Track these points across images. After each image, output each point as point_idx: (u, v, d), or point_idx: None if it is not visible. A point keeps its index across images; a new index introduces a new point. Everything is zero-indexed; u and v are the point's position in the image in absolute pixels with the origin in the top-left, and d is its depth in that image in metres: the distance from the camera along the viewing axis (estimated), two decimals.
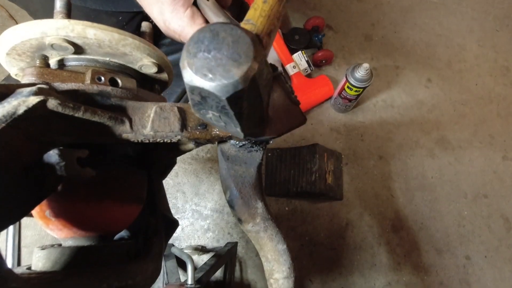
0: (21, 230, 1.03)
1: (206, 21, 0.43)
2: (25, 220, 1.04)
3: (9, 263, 0.98)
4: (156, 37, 0.51)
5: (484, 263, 1.13)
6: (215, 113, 0.28)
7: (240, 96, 0.24)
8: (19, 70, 0.39)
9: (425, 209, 1.17)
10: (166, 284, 0.90)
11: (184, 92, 0.79)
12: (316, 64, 1.28)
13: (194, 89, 0.24)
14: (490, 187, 1.22)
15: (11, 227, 1.01)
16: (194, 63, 0.24)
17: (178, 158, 0.61)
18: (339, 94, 1.15)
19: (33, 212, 0.38)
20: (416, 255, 1.12)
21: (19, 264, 0.99)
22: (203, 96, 0.25)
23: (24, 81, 0.34)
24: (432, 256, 1.12)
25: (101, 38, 0.34)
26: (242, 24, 0.32)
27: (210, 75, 0.23)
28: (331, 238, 1.11)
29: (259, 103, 0.30)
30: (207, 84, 0.23)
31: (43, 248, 0.37)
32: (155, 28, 0.48)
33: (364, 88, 1.08)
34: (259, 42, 0.28)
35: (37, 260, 0.36)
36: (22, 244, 1.02)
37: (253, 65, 0.24)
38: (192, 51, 0.24)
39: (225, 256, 0.98)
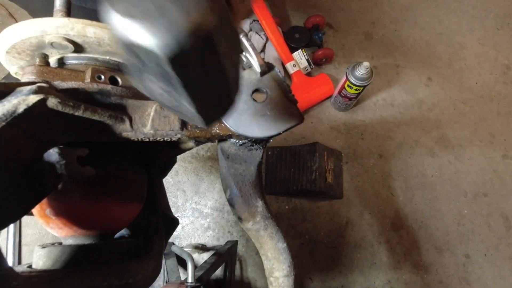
0: (21, 229, 1.03)
1: None
2: (25, 219, 1.04)
3: (10, 262, 0.98)
4: None
5: (484, 262, 1.13)
6: (159, 83, 0.21)
7: (187, 57, 0.18)
8: (19, 69, 0.39)
9: (425, 207, 1.17)
10: (166, 282, 0.90)
11: None
12: (316, 62, 1.27)
13: (124, 42, 0.17)
14: (490, 185, 1.22)
15: (11, 226, 1.01)
16: (124, 2, 0.16)
17: (178, 157, 0.61)
18: (339, 92, 1.15)
19: (34, 210, 0.38)
20: (416, 254, 1.12)
21: (20, 262, 0.99)
22: (137, 54, 0.18)
23: (24, 79, 0.34)
24: (432, 255, 1.12)
25: (101, 36, 0.34)
26: None
27: (147, 23, 0.16)
28: (331, 236, 1.11)
29: (218, 74, 0.22)
30: (142, 35, 0.16)
31: (43, 246, 0.37)
32: None
33: (364, 87, 1.08)
34: None
35: (37, 258, 0.37)
36: (23, 242, 1.02)
37: (208, 17, 0.17)
38: None
39: (225, 255, 0.98)
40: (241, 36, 0.36)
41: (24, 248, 1.02)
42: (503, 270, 1.13)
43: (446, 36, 1.42)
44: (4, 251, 0.98)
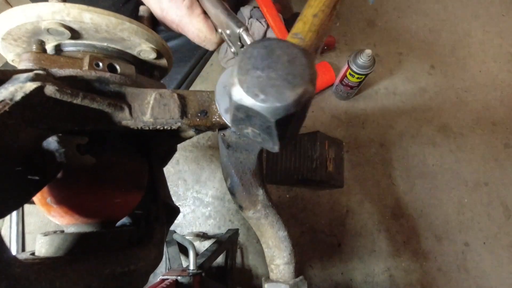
0: (24, 217, 1.04)
1: (204, 12, 0.42)
2: (28, 208, 1.05)
3: (14, 250, 0.99)
4: (155, 22, 0.50)
5: (483, 250, 1.14)
6: (256, 131, 0.27)
7: (290, 119, 0.23)
8: (15, 56, 0.38)
9: (425, 196, 1.18)
10: (168, 270, 0.92)
11: (184, 78, 0.79)
12: None
13: (241, 107, 0.23)
14: (491, 174, 1.22)
15: (14, 215, 1.02)
16: (245, 81, 0.22)
17: (179, 146, 0.61)
18: (341, 81, 1.14)
19: (35, 199, 0.38)
20: (415, 242, 1.13)
21: (23, 250, 1.00)
22: (249, 115, 0.23)
23: (20, 67, 0.33)
24: (431, 243, 1.13)
25: (98, 22, 0.34)
26: (289, 38, 0.30)
27: (262, 96, 0.21)
28: (332, 225, 1.12)
29: (301, 121, 0.28)
30: (257, 105, 0.22)
31: (46, 234, 0.37)
32: (153, 14, 0.47)
33: (366, 75, 1.07)
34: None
35: (40, 246, 0.37)
36: (26, 230, 1.03)
37: (309, 88, 0.22)
38: (244, 67, 0.22)
39: (226, 243, 0.99)
40: (241, 30, 0.36)
41: (27, 236, 1.03)
42: (501, 258, 1.14)
43: (450, 23, 1.40)
44: (7, 240, 0.99)
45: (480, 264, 1.13)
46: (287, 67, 0.22)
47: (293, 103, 0.22)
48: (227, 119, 0.37)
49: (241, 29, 0.36)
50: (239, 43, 0.38)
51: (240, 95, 0.22)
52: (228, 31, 0.38)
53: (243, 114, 0.24)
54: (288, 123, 0.24)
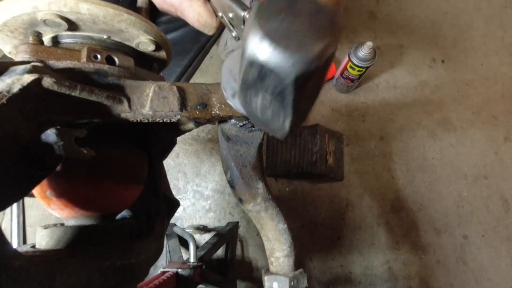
0: (25, 210, 1.04)
1: None
2: (28, 201, 1.05)
3: (15, 242, 1.00)
4: (154, 14, 0.50)
5: (481, 243, 1.15)
6: (267, 98, 0.23)
7: (310, 77, 0.20)
8: (12, 48, 0.38)
9: (425, 190, 1.18)
10: (169, 262, 0.92)
11: (184, 71, 0.78)
12: None
13: (255, 62, 0.20)
14: (491, 168, 1.22)
15: (15, 207, 1.02)
16: (265, 28, 0.19)
17: (179, 139, 0.60)
18: (341, 74, 1.13)
19: (35, 192, 0.38)
20: (414, 235, 1.14)
21: (24, 243, 1.01)
22: (264, 73, 0.20)
23: (17, 58, 0.33)
24: (430, 236, 1.14)
25: (95, 13, 0.33)
26: None
27: (283, 44, 0.19)
28: (331, 218, 1.13)
29: (317, 92, 0.25)
30: (277, 55, 0.19)
31: (46, 227, 0.37)
32: (151, 5, 0.46)
33: (367, 68, 1.06)
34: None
35: (40, 238, 0.37)
36: (27, 223, 1.04)
37: (333, 42, 0.19)
38: (264, 14, 0.19)
39: (226, 235, 1.00)
40: (245, 13, 0.35)
41: (28, 229, 1.03)
42: (499, 251, 1.15)
43: (452, 15, 1.38)
44: (8, 232, 0.99)
45: (478, 257, 1.14)
46: (312, 18, 0.20)
47: (317, 55, 0.19)
48: (235, 104, 0.36)
49: (246, 12, 0.35)
50: (243, 27, 0.37)
51: (257, 44, 0.19)
52: (230, 15, 0.37)
53: (256, 72, 0.21)
54: (307, 83, 0.21)
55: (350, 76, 1.11)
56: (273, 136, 0.32)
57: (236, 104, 0.36)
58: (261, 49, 0.19)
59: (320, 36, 0.19)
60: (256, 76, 0.21)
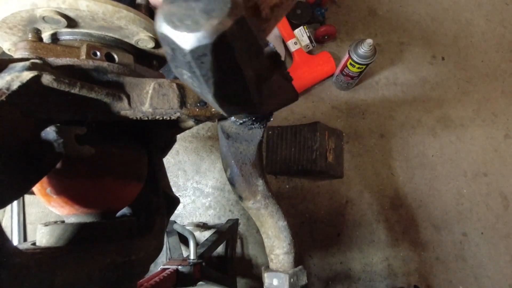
0: (25, 208, 1.05)
1: None
2: (29, 198, 1.05)
3: (15, 240, 1.00)
4: (153, 11, 0.49)
5: (480, 240, 1.15)
6: (186, 73, 0.26)
7: (204, 53, 0.23)
8: (11, 45, 0.38)
9: (425, 187, 1.18)
10: (169, 259, 0.93)
11: None
12: (318, 40, 1.24)
13: (162, 37, 0.23)
14: (491, 165, 1.22)
15: (15, 205, 1.02)
16: (166, 9, 0.22)
17: (178, 136, 0.60)
18: (341, 71, 1.13)
19: (35, 189, 0.38)
20: (414, 232, 1.14)
21: (25, 240, 1.01)
22: (172, 48, 0.23)
23: (16, 55, 0.33)
24: (430, 233, 1.14)
25: (94, 10, 0.33)
26: None
27: (177, 24, 0.22)
28: (331, 215, 1.13)
29: (235, 73, 0.27)
30: (171, 32, 0.22)
31: (46, 224, 0.37)
32: None
33: (367, 65, 1.06)
34: (252, 8, 0.26)
35: (41, 236, 0.37)
36: (27, 221, 1.04)
37: (225, 22, 0.22)
38: None
39: (226, 233, 1.00)
40: None
41: (28, 227, 1.03)
42: (498, 248, 1.15)
43: (453, 12, 1.38)
44: (9, 230, 1.00)
45: (477, 254, 1.14)
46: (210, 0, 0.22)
47: (205, 33, 0.21)
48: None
49: None
50: None
51: (160, 23, 0.22)
52: None
53: (168, 48, 0.24)
54: (206, 59, 0.23)
55: (350, 73, 1.10)
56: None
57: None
58: (162, 27, 0.22)
59: (210, 16, 0.22)
60: (170, 51, 0.24)
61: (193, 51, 0.22)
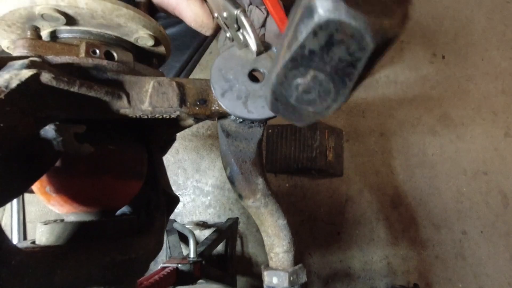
0: (25, 206, 1.05)
1: None
2: (28, 197, 1.05)
3: (15, 238, 1.00)
4: (153, 9, 0.49)
5: (480, 238, 1.16)
6: (322, 75, 0.21)
7: (385, 46, 0.18)
8: (10, 43, 0.37)
9: (425, 185, 1.18)
10: (169, 258, 0.93)
11: (183, 67, 0.77)
12: None
13: (332, 23, 0.17)
14: (491, 164, 1.22)
15: (15, 204, 1.02)
16: None
17: (178, 135, 0.60)
18: None
19: (34, 188, 0.38)
20: (413, 230, 1.14)
21: (25, 239, 1.01)
22: (335, 40, 0.18)
23: (15, 53, 0.33)
24: (430, 231, 1.14)
25: (94, 7, 0.33)
26: None
27: (368, 7, 0.17)
28: (331, 213, 1.13)
29: (370, 71, 0.23)
30: (359, 18, 0.17)
31: (46, 223, 0.37)
32: (150, 0, 0.46)
33: None
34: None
35: (40, 234, 0.37)
36: (27, 219, 1.04)
37: (409, 11, 0.18)
38: None
39: (226, 231, 1.00)
40: (238, 11, 0.35)
41: (28, 225, 1.04)
42: (498, 246, 1.16)
43: (454, 10, 1.37)
44: (8, 228, 1.00)
45: (477, 252, 1.14)
46: None
47: (399, 21, 0.17)
48: (223, 102, 0.36)
49: (239, 11, 0.34)
50: (235, 26, 0.36)
51: (333, 7, 0.17)
52: (225, 14, 0.36)
53: (325, 37, 0.18)
54: (382, 53, 0.19)
55: None
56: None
57: (225, 103, 0.36)
58: (338, 11, 0.17)
59: (401, 3, 0.17)
60: (323, 44, 0.19)
61: (379, 45, 0.18)
